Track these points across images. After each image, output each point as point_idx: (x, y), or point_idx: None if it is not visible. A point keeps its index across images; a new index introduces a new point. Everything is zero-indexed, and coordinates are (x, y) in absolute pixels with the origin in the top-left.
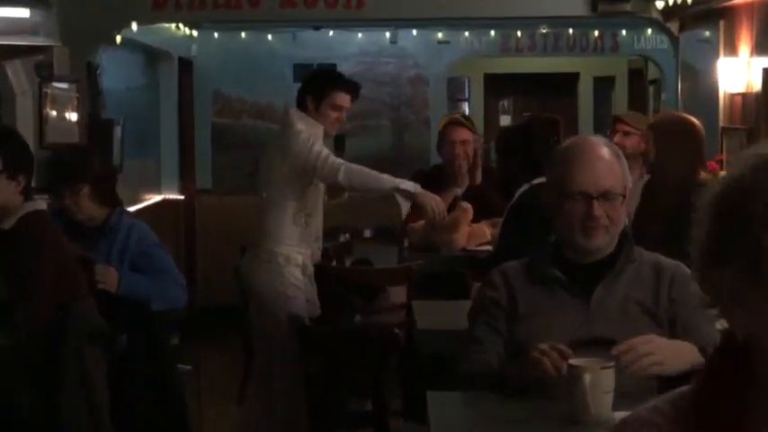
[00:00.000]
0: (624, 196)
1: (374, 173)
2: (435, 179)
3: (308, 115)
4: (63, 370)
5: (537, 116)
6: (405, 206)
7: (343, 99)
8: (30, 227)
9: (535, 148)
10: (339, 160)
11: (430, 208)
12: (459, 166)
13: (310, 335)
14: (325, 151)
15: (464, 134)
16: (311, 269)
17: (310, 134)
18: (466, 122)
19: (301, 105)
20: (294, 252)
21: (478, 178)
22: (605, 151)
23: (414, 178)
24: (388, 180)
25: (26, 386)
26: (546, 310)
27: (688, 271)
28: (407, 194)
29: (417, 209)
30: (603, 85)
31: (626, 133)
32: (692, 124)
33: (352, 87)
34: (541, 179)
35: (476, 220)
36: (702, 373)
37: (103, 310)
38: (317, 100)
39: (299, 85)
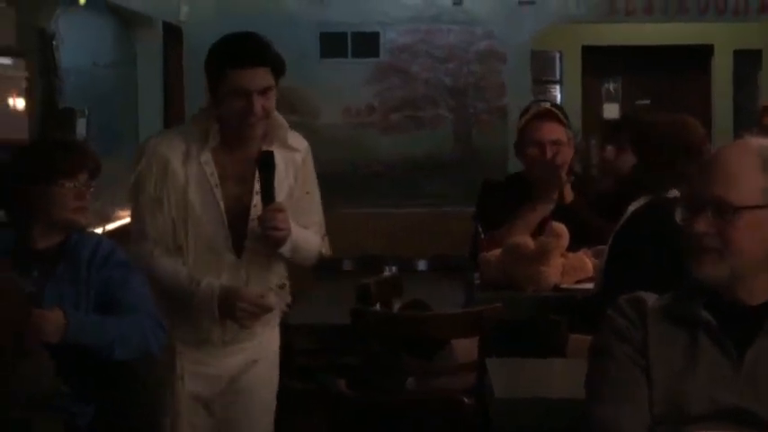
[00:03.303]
0: (754, 208)
1: (170, 275)
2: (511, 194)
3: (209, 114)
4: None
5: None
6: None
7: (246, 77)
8: None
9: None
10: (148, 248)
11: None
12: (554, 176)
13: (344, 407)
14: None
15: (556, 131)
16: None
17: (156, 165)
18: (559, 113)
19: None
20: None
21: (569, 193)
22: (747, 148)
23: (482, 194)
24: (183, 281)
25: None
26: (684, 365)
27: None
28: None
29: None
30: (747, 60)
31: None
32: None
33: (257, 53)
34: (670, 193)
35: (572, 247)
36: None
37: (61, 369)
38: (213, 86)
39: (327, 61)
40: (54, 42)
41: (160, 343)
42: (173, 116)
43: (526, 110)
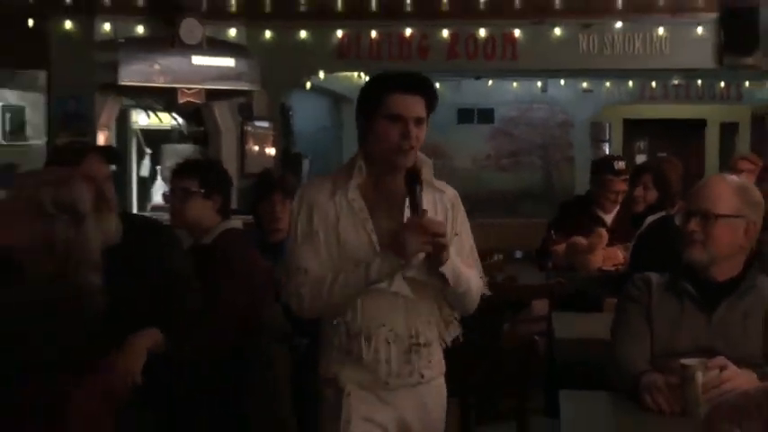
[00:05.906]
0: (726, 216)
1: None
2: (578, 208)
3: (358, 155)
4: (253, 369)
5: (662, 159)
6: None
7: (404, 102)
8: (223, 243)
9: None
10: (300, 280)
11: None
12: (615, 217)
13: (471, 347)
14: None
15: (623, 186)
16: None
17: (305, 207)
18: (626, 174)
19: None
20: None
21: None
22: (724, 180)
23: (560, 212)
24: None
25: (208, 395)
26: (674, 319)
27: None
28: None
29: (558, 234)
30: (728, 130)
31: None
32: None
33: (414, 83)
34: (671, 211)
35: (610, 244)
36: None
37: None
38: (368, 117)
39: (461, 126)
40: (290, 113)
41: None
42: None
43: (608, 162)
